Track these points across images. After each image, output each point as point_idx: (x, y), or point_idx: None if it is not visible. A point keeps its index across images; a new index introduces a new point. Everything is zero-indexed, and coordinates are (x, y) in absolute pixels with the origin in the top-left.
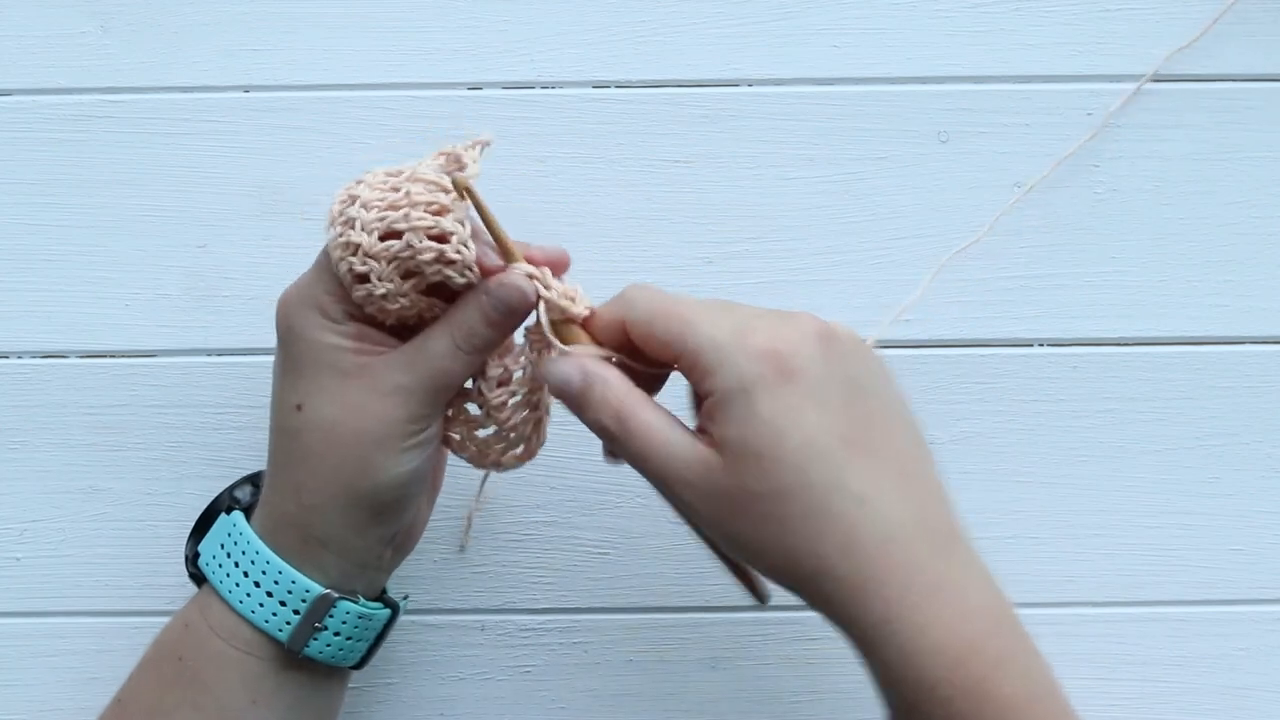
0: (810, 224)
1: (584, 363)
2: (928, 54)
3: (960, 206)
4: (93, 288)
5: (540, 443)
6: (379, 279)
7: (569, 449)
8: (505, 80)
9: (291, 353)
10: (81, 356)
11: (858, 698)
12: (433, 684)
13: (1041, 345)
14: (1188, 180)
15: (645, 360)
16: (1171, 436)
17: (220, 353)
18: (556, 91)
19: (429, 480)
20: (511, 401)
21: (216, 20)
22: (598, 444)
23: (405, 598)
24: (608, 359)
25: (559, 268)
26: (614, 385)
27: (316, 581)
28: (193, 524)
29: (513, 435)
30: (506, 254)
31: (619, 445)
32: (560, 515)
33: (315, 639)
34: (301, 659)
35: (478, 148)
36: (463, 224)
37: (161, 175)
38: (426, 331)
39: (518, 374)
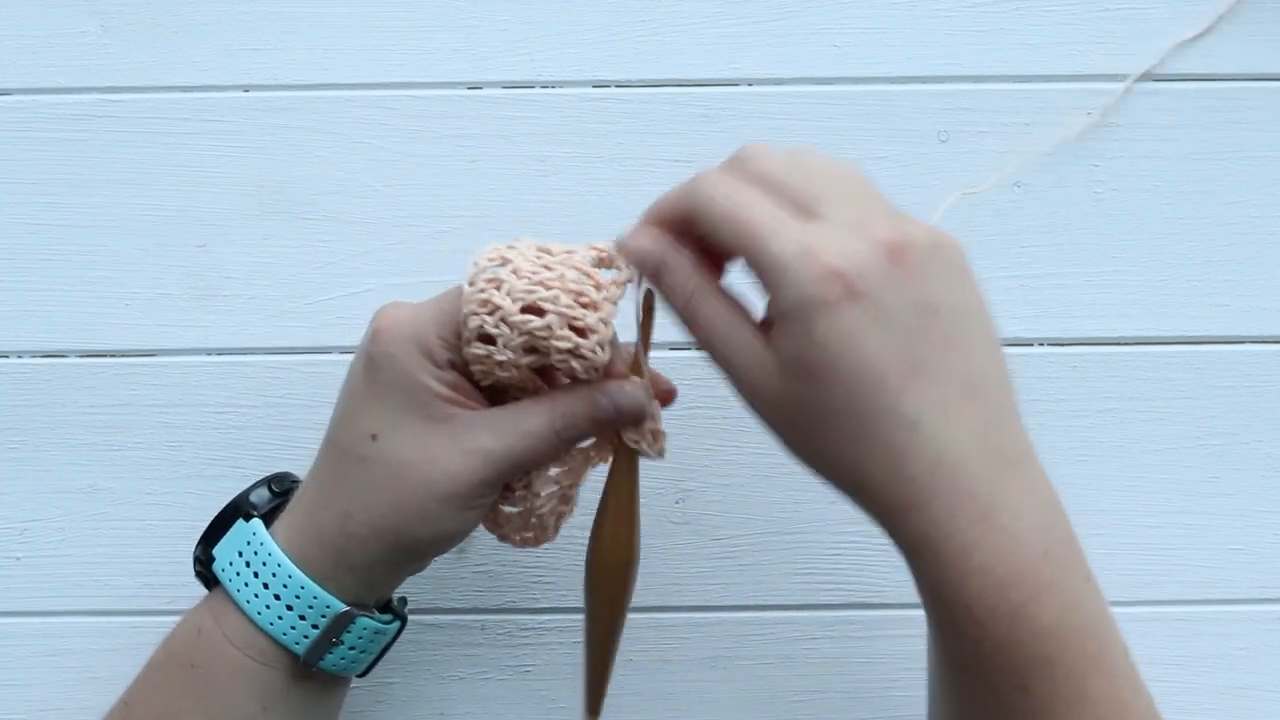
0: None
1: (661, 245)
2: (928, 54)
3: (960, 206)
4: (93, 288)
5: (552, 537)
6: (504, 345)
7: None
8: (505, 80)
9: (382, 379)
10: (81, 356)
11: (858, 697)
12: (432, 684)
13: (1041, 345)
14: (1188, 180)
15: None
16: (1171, 436)
17: (220, 352)
18: (556, 91)
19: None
20: (547, 492)
21: (216, 20)
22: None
23: (404, 601)
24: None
25: (665, 399)
26: (683, 273)
27: (337, 598)
28: (206, 525)
29: (533, 521)
30: (637, 367)
31: (689, 330)
32: None
33: (331, 653)
34: (315, 670)
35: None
36: (606, 324)
37: (161, 175)
38: (523, 405)
39: (563, 470)
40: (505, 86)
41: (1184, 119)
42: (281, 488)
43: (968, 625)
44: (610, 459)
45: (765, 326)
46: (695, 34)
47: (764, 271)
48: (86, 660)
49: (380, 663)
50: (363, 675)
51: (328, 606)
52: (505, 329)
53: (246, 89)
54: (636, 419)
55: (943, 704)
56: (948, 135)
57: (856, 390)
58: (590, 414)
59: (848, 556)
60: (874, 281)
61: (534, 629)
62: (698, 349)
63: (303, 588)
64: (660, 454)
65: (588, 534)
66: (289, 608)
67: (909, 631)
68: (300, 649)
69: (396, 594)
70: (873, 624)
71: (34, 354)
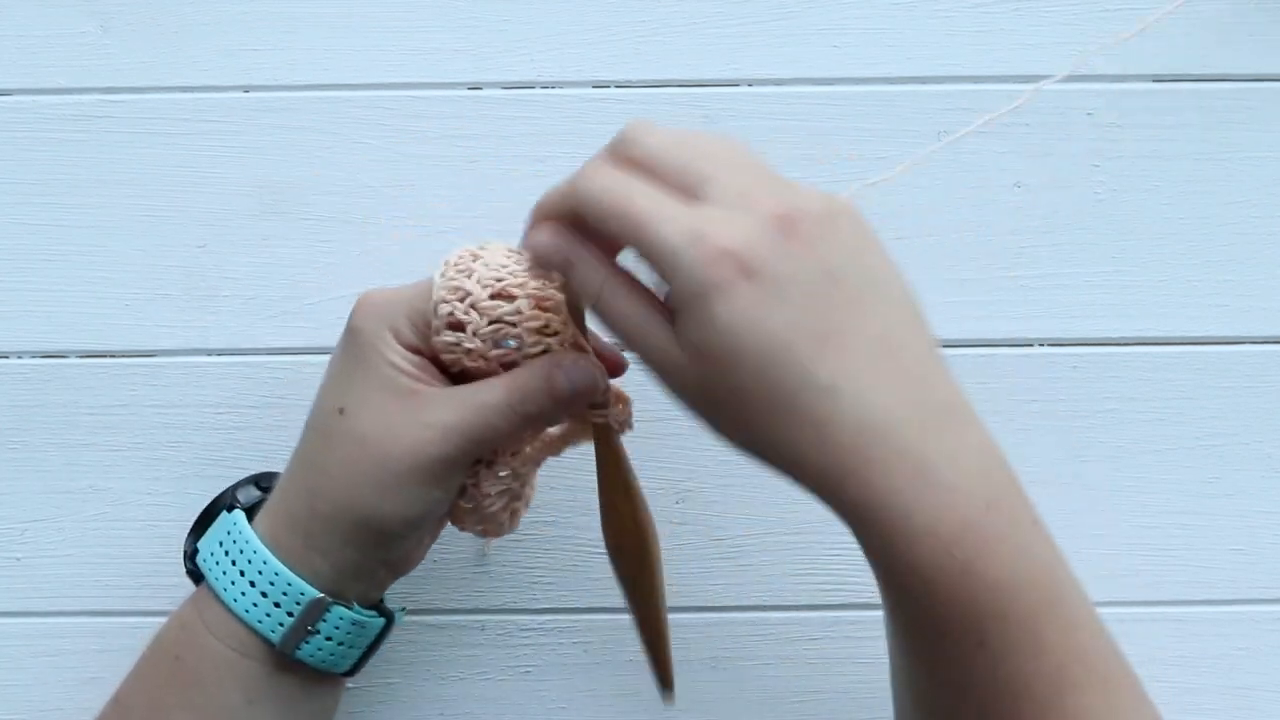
0: None
1: (561, 240)
2: (928, 54)
3: (960, 206)
4: (93, 288)
5: (509, 529)
6: (473, 333)
7: (568, 448)
8: (505, 80)
9: (352, 354)
10: (81, 356)
11: (858, 697)
12: (433, 684)
13: (1041, 345)
14: (1188, 180)
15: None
16: (1171, 436)
17: (220, 353)
18: (556, 91)
19: (438, 523)
20: (497, 490)
21: (216, 20)
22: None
23: (403, 610)
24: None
25: (614, 371)
26: (589, 267)
27: (311, 585)
28: (193, 520)
29: (486, 516)
30: (580, 347)
31: (603, 324)
32: (560, 515)
33: (307, 642)
34: (295, 662)
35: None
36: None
37: (161, 175)
38: (484, 382)
39: (522, 468)
40: (505, 86)
41: (1184, 119)
42: (268, 484)
43: (918, 587)
44: (556, 450)
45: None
46: (695, 34)
47: (656, 261)
48: (86, 660)
49: (381, 662)
50: (348, 674)
51: (302, 593)
52: (475, 315)
53: (246, 89)
54: (590, 391)
55: (903, 678)
56: (948, 135)
57: (766, 368)
58: (547, 388)
59: (848, 556)
60: (767, 256)
61: (534, 629)
62: (617, 343)
63: (277, 574)
64: (628, 424)
65: (578, 533)
66: (264, 594)
67: None
68: (275, 637)
69: (392, 603)
70: (873, 624)
71: (34, 354)
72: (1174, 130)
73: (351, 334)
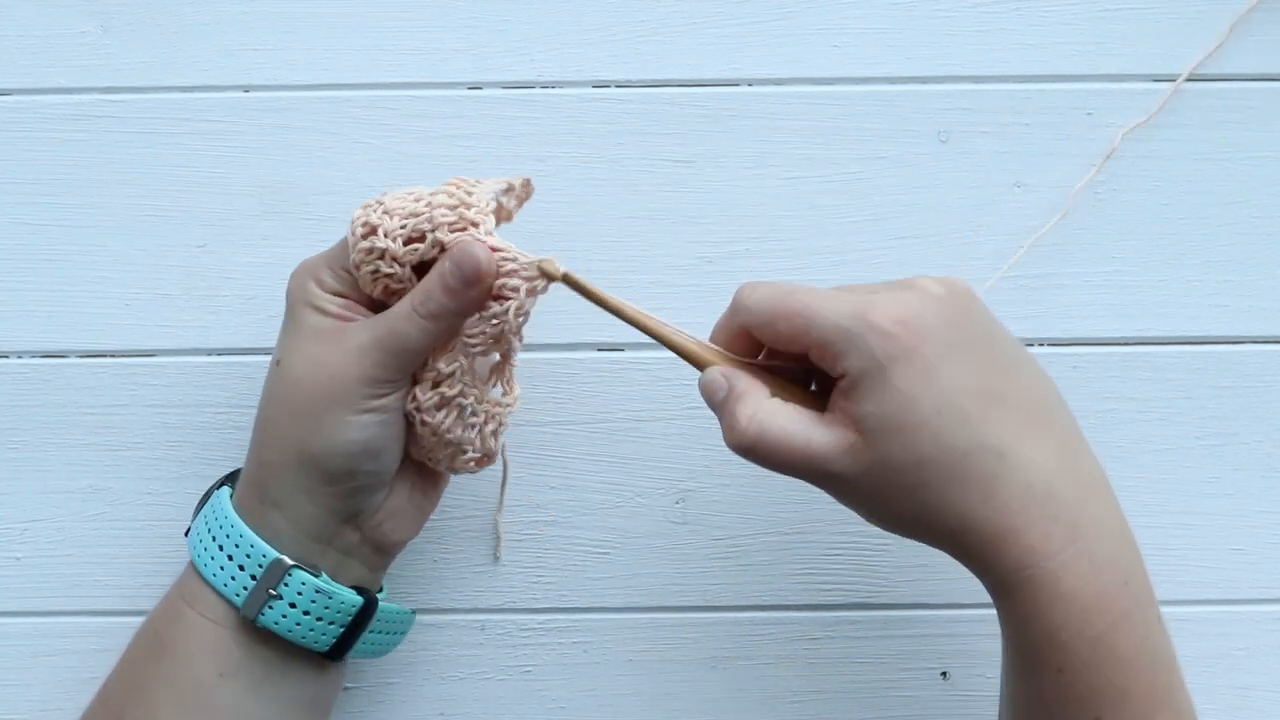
0: (810, 224)
1: (730, 376)
2: (928, 54)
3: (960, 206)
4: (93, 288)
5: (490, 449)
6: (385, 234)
7: (568, 448)
8: (505, 80)
9: (287, 315)
10: (82, 356)
11: (858, 697)
12: (433, 684)
13: (1041, 345)
14: (1188, 180)
15: (783, 356)
16: (1171, 436)
17: (220, 352)
18: (556, 91)
19: (390, 460)
20: (441, 404)
21: (216, 20)
22: (596, 445)
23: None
24: (748, 364)
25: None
26: (747, 401)
27: (273, 546)
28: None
29: (450, 440)
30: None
31: (759, 460)
32: (560, 515)
33: (271, 608)
34: (268, 634)
35: (503, 185)
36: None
37: (161, 175)
38: (396, 304)
39: (446, 368)
40: (505, 86)
41: (1184, 119)
42: None
43: (1051, 653)
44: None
45: (834, 409)
46: (695, 34)
47: (826, 345)
48: (86, 660)
49: (381, 662)
50: (333, 658)
51: (264, 555)
52: (386, 219)
53: (246, 89)
54: (480, 276)
55: None
56: (948, 135)
57: (942, 428)
58: (440, 284)
59: (848, 556)
60: (933, 322)
61: (534, 629)
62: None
63: (241, 536)
64: (558, 275)
65: (578, 533)
66: (230, 558)
67: (909, 631)
68: (240, 600)
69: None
70: (873, 624)
71: (34, 354)
72: (1174, 130)
73: (286, 294)
